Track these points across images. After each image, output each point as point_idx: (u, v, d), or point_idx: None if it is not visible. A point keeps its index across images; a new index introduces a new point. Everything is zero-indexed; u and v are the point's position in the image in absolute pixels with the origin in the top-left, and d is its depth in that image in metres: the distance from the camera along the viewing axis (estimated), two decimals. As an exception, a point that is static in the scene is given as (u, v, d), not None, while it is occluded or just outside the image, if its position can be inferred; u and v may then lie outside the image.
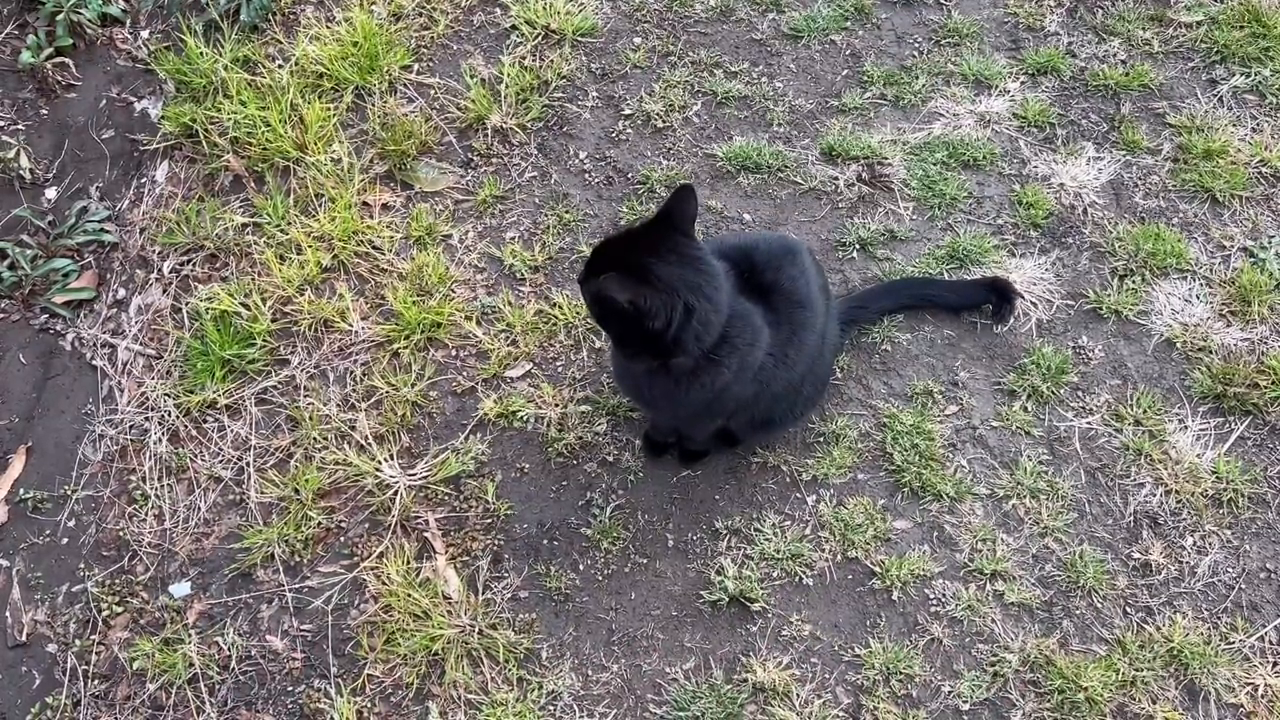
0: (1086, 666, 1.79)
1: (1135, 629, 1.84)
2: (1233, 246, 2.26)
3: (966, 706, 1.77)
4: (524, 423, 2.06)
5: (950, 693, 1.78)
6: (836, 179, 2.35)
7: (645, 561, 1.92)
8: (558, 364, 2.13)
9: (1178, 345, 2.13)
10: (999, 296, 2.11)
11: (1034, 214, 2.29)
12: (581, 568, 1.92)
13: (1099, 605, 1.86)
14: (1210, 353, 2.12)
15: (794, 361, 1.73)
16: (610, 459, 2.02)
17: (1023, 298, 2.15)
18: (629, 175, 2.37)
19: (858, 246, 2.25)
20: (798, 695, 1.78)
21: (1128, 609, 1.86)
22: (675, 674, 1.82)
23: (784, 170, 2.36)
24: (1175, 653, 1.81)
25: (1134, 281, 2.21)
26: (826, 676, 1.81)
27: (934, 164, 2.36)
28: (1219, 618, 1.85)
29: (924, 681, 1.79)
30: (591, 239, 2.27)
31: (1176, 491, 1.97)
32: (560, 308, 2.17)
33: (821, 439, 2.03)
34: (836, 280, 2.21)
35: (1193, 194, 2.34)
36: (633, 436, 2.04)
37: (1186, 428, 2.04)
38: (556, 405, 2.07)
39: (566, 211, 2.31)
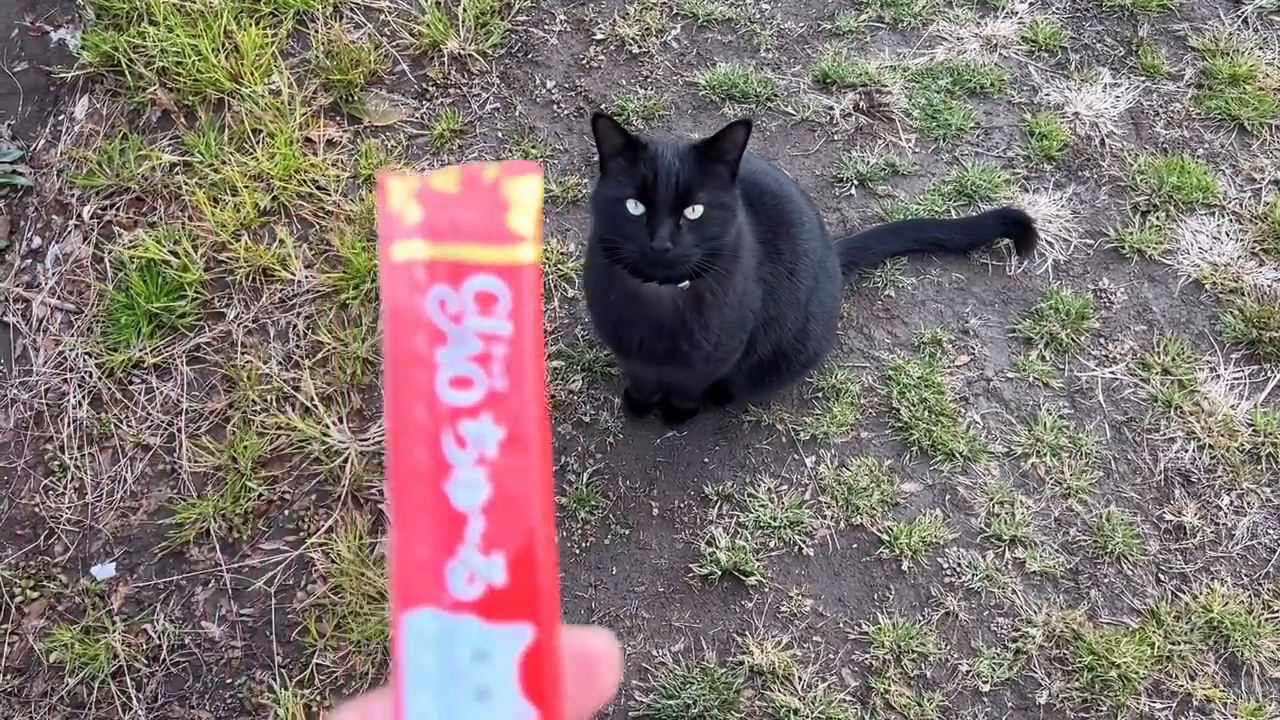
0: (1118, 640, 1.61)
1: (1169, 598, 1.66)
2: (1263, 179, 2.07)
3: (987, 687, 1.59)
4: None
5: (969, 672, 1.60)
6: (831, 109, 2.13)
7: (628, 532, 1.72)
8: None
9: (1207, 287, 1.95)
10: (1018, 228, 1.91)
11: (1047, 145, 2.08)
12: (556, 540, 1.71)
13: (1129, 573, 1.69)
14: (1242, 294, 1.93)
15: (790, 260, 1.58)
16: (586, 419, 1.81)
17: (1037, 236, 1.96)
18: (602, 106, 2.13)
19: (856, 182, 2.04)
20: (799, 678, 1.59)
21: (1160, 576, 1.69)
22: (663, 657, 1.62)
23: (773, 100, 2.13)
24: (1214, 624, 1.63)
25: (1158, 218, 2.01)
26: (831, 657, 1.62)
27: (937, 92, 2.15)
28: (1260, 584, 1.68)
29: (939, 660, 1.61)
30: (562, 176, 2.05)
31: (1210, 446, 1.79)
32: (528, 252, 1.94)
33: (820, 394, 1.82)
34: (834, 220, 2.00)
35: (1219, 123, 2.14)
36: (611, 394, 1.83)
37: (1219, 376, 1.86)
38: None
39: (533, 146, 2.08)
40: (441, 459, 0.39)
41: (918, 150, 2.09)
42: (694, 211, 1.35)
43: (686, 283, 1.43)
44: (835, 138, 2.10)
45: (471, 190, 0.42)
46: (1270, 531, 1.72)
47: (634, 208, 1.35)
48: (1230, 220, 2.02)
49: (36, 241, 2.07)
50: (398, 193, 0.41)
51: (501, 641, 0.38)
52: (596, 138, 1.37)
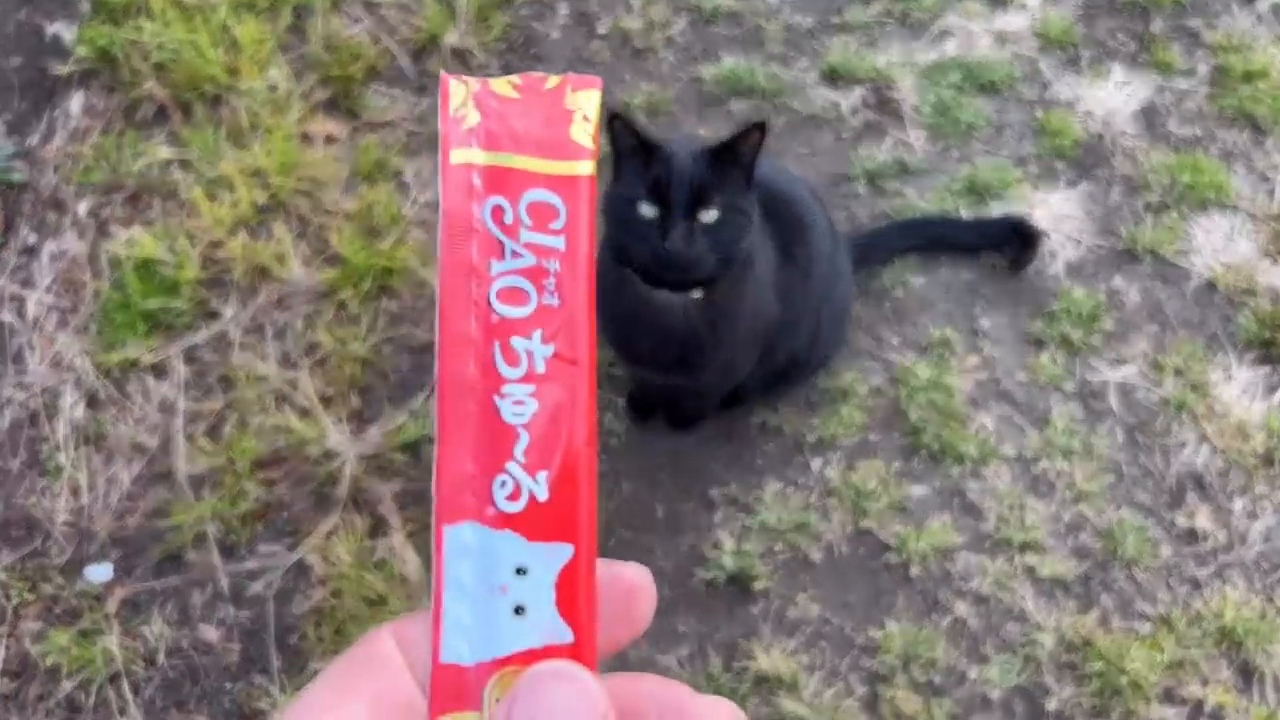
0: (1129, 646, 1.58)
1: (1182, 604, 1.64)
2: (1277, 177, 2.04)
3: (997, 694, 1.57)
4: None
5: (978, 679, 1.58)
6: (839, 105, 2.10)
7: (631, 536, 1.69)
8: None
9: (1220, 287, 1.92)
10: (1021, 241, 1.87)
11: (1059, 143, 2.05)
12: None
13: (1140, 578, 1.66)
14: (1256, 295, 1.90)
15: (804, 264, 1.55)
16: (589, 420, 1.78)
17: (1048, 236, 1.92)
18: (605, 101, 2.10)
19: (865, 180, 2.00)
20: (806, 685, 1.57)
21: (1172, 581, 1.66)
22: (667, 662, 1.60)
23: (780, 95, 2.10)
24: (1227, 630, 1.61)
25: (1170, 217, 1.98)
26: (838, 663, 1.59)
27: (948, 88, 2.11)
28: (1274, 589, 1.66)
29: (948, 667, 1.59)
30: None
31: (1223, 450, 1.76)
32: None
33: (828, 396, 1.80)
34: (842, 218, 1.97)
35: (1232, 120, 2.11)
36: (614, 396, 1.80)
37: (1232, 378, 1.83)
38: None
39: (536, 142, 2.05)
40: (492, 372, 0.38)
41: (928, 147, 2.06)
42: (709, 215, 1.30)
43: (699, 292, 1.38)
44: (843, 135, 2.07)
45: (532, 98, 0.40)
46: (1285, 537, 1.70)
47: (647, 209, 1.30)
48: (1244, 219, 1.99)
49: (32, 239, 2.04)
50: (458, 94, 0.40)
51: (541, 558, 0.38)
52: (611, 138, 1.32)
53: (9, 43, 2.28)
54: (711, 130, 2.06)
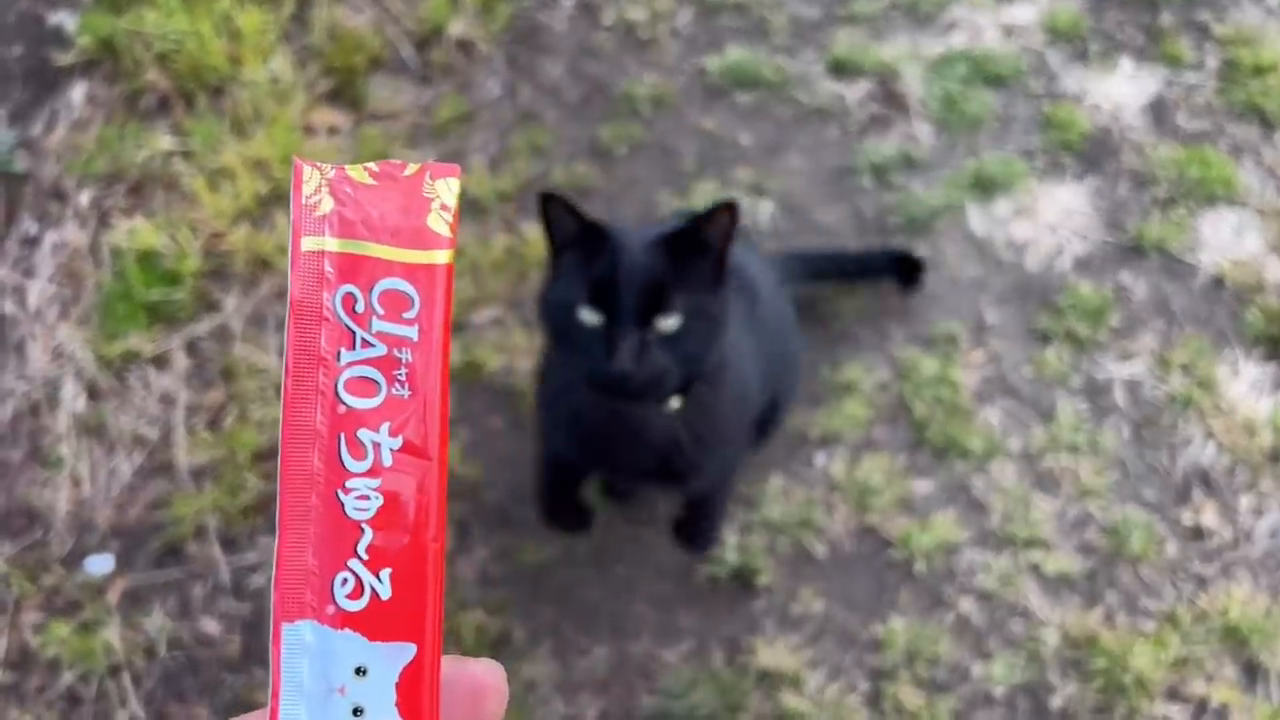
0: (1134, 644, 1.57)
1: (1187, 601, 1.63)
2: (1286, 172, 2.02)
3: (1000, 691, 1.56)
4: (493, 374, 1.80)
5: (981, 676, 1.57)
6: (845, 97, 2.08)
7: (634, 531, 1.68)
8: (530, 307, 1.87)
9: (1228, 283, 1.90)
10: (905, 271, 1.82)
11: (1066, 136, 2.03)
12: (560, 539, 1.67)
13: (1146, 575, 1.65)
14: (1264, 291, 1.89)
15: (760, 316, 1.39)
16: (592, 414, 1.77)
17: (925, 269, 1.90)
18: (609, 93, 2.09)
19: (870, 173, 1.99)
20: (808, 681, 1.56)
21: (1178, 579, 1.65)
22: (669, 658, 1.59)
23: (786, 87, 2.09)
24: (1232, 627, 1.60)
25: (1178, 212, 1.96)
26: (841, 659, 1.59)
27: (954, 80, 2.10)
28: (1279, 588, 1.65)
29: (952, 664, 1.58)
30: (568, 163, 2.00)
31: (1230, 447, 1.75)
32: (531, 243, 1.90)
33: (832, 390, 1.79)
34: (847, 213, 1.95)
35: (1241, 114, 2.09)
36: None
37: (1239, 375, 1.81)
38: (530, 354, 1.81)
39: (539, 134, 2.04)
40: (336, 465, 0.37)
41: (934, 140, 2.04)
42: (667, 322, 1.05)
43: (676, 400, 1.16)
44: (849, 127, 2.06)
45: (389, 185, 0.39)
46: (1291, 534, 1.69)
47: (589, 316, 1.05)
48: (1253, 214, 1.97)
49: (33, 229, 2.03)
50: (312, 181, 0.39)
51: (382, 658, 0.37)
52: (545, 222, 1.10)
53: (10, 32, 2.27)
54: (716, 123, 2.05)
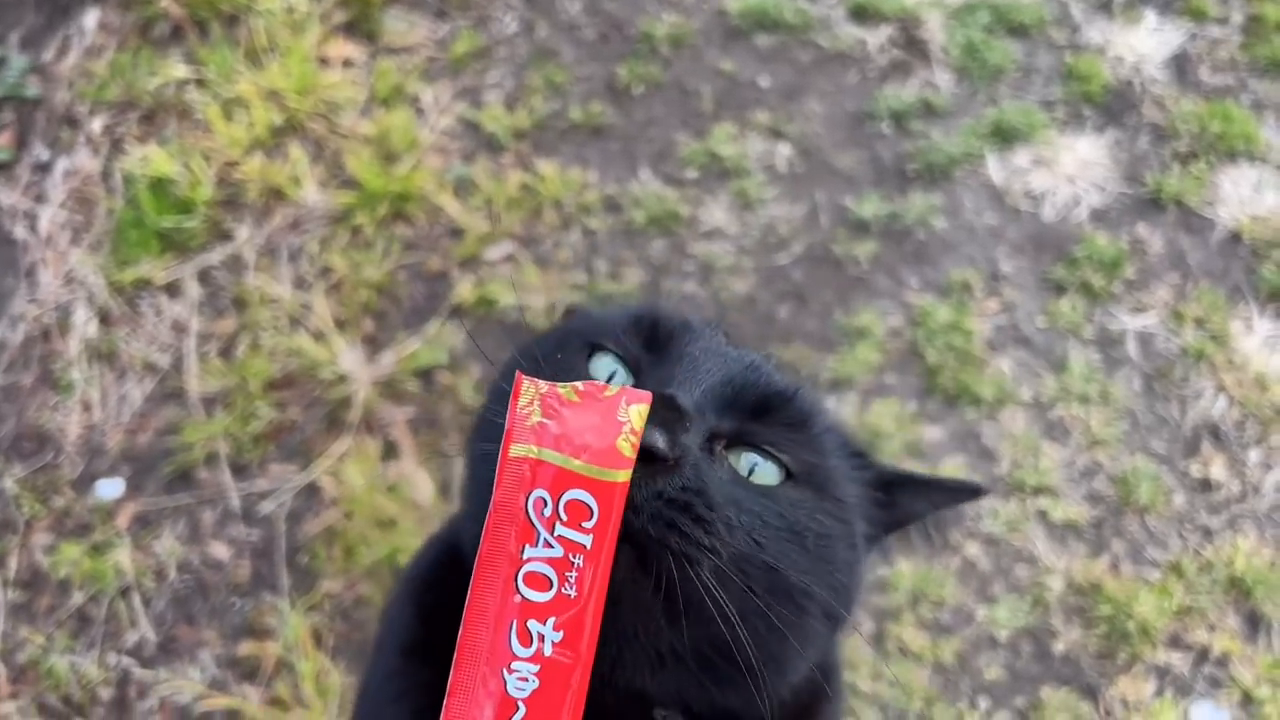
0: (1138, 592, 1.58)
1: (1192, 552, 1.63)
2: (1309, 130, 2.00)
3: (1004, 635, 1.57)
4: (505, 311, 1.80)
5: (985, 619, 1.58)
6: (866, 42, 2.06)
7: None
8: (544, 245, 1.86)
9: (1245, 238, 1.89)
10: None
11: (1088, 88, 2.01)
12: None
13: (1153, 525, 1.65)
14: (1281, 247, 1.88)
15: None
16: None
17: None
18: (626, 31, 2.06)
19: (890, 119, 1.97)
20: (813, 619, 1.57)
21: (1184, 530, 1.66)
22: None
23: (806, 30, 2.06)
24: (1236, 579, 1.60)
25: (1198, 167, 1.95)
26: (846, 599, 1.59)
27: (977, 28, 2.07)
28: (1285, 541, 1.65)
29: (956, 607, 1.59)
30: (584, 102, 1.98)
31: (1241, 401, 1.74)
32: (547, 180, 1.89)
33: (845, 335, 1.78)
34: (865, 159, 1.94)
35: (1265, 70, 2.07)
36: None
37: (1253, 330, 1.81)
38: (543, 291, 1.81)
39: (555, 71, 2.02)
40: (505, 648, 0.43)
41: (954, 89, 2.02)
42: (761, 461, 0.65)
43: None
44: (869, 73, 2.03)
45: (591, 404, 0.46)
46: (1299, 489, 1.69)
47: (602, 368, 0.68)
48: (1273, 171, 1.95)
49: (45, 155, 2.02)
50: (527, 394, 0.45)
51: None
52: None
53: (22, -44, 2.24)
54: (735, 65, 2.02)
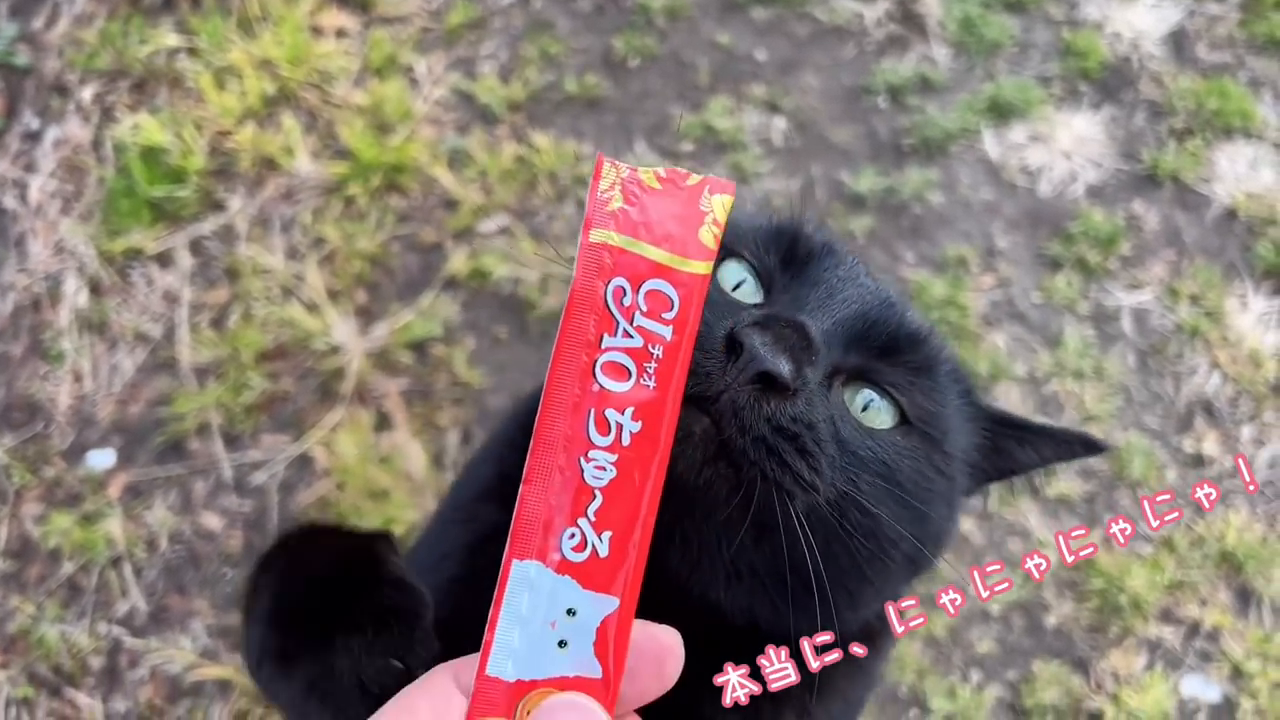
0: (1130, 566, 1.59)
1: (1184, 527, 1.64)
2: (1306, 108, 2.00)
3: (997, 609, 1.57)
4: (499, 283, 1.79)
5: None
6: (863, 16, 2.04)
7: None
8: (538, 217, 1.85)
9: (1240, 215, 1.89)
10: None
11: (1085, 64, 2.00)
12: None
13: (1146, 500, 1.66)
14: (1276, 224, 1.88)
15: None
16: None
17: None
18: (623, 3, 2.05)
19: (886, 93, 1.96)
20: (806, 592, 1.57)
21: (1177, 505, 1.66)
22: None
23: (804, 3, 2.05)
24: (1228, 554, 1.61)
25: (1194, 143, 1.94)
26: (839, 572, 1.60)
27: (974, 3, 2.06)
28: (1276, 516, 1.66)
29: (949, 581, 1.59)
30: (580, 73, 1.97)
31: (1234, 377, 1.75)
32: (542, 153, 1.88)
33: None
34: (862, 133, 1.93)
35: (1262, 47, 2.06)
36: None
37: (1247, 307, 1.81)
38: (537, 264, 1.80)
39: (551, 43, 2.00)
40: (583, 436, 0.43)
41: (951, 64, 2.01)
42: (877, 399, 0.64)
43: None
44: (866, 46, 2.02)
45: (673, 192, 0.44)
46: (1291, 464, 1.69)
47: (731, 274, 0.65)
48: (1269, 148, 1.95)
49: (35, 124, 2.00)
50: (608, 177, 0.44)
51: (590, 605, 0.43)
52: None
53: (11, -77, 2.21)
54: (732, 38, 2.01)
